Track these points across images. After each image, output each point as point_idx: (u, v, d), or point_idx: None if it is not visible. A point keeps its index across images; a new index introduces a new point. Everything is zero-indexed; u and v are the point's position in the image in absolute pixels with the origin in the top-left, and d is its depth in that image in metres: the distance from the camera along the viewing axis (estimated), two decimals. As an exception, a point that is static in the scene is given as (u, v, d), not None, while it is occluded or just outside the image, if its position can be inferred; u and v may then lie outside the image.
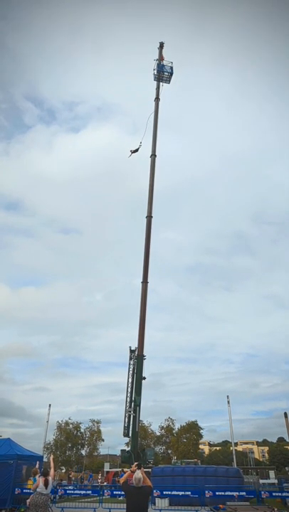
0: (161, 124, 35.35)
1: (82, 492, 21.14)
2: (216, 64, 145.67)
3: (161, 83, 37.15)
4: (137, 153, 34.69)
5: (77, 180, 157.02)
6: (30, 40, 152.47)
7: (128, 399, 26.73)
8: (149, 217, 31.36)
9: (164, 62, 37.51)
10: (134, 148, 34.75)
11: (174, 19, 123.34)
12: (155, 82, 37.36)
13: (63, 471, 54.51)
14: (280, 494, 19.48)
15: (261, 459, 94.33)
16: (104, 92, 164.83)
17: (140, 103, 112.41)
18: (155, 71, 37.13)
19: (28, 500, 10.32)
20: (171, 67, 37.27)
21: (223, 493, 17.53)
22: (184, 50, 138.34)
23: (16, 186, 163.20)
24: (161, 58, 37.72)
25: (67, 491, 20.42)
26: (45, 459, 34.43)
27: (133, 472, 7.20)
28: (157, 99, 36.33)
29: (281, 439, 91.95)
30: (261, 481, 31.70)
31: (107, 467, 43.74)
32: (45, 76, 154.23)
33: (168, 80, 37.50)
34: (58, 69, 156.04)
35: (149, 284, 29.26)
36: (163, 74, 37.08)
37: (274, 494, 19.11)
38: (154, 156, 33.58)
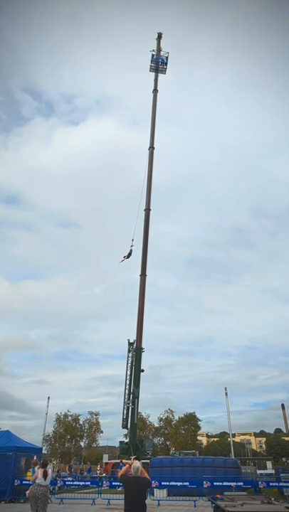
0: (160, 118, 35.07)
1: (81, 483, 21.28)
2: (215, 59, 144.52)
3: (158, 74, 36.78)
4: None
5: (76, 173, 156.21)
6: (28, 31, 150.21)
7: (127, 391, 26.83)
8: (148, 210, 31.20)
9: (161, 53, 37.08)
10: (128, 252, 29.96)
11: (173, 13, 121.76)
12: (151, 73, 37.03)
13: (62, 464, 54.96)
14: (277, 484, 19.66)
15: (259, 450, 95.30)
16: (103, 84, 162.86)
17: (140, 96, 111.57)
18: (152, 63, 36.72)
19: (27, 492, 10.37)
20: (167, 57, 36.88)
21: (220, 484, 17.63)
22: (183, 44, 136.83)
23: (15, 180, 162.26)
24: (158, 49, 37.23)
25: (66, 482, 20.55)
26: (44, 451, 34.73)
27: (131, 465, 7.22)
28: (155, 90, 35.96)
29: (278, 430, 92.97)
30: (258, 472, 32.03)
31: (106, 458, 44.02)
32: (43, 68, 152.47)
33: (164, 71, 37.09)
34: (57, 61, 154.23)
35: (147, 277, 29.26)
36: (159, 65, 36.68)
37: (271, 484, 19.30)
38: (152, 148, 33.31)
